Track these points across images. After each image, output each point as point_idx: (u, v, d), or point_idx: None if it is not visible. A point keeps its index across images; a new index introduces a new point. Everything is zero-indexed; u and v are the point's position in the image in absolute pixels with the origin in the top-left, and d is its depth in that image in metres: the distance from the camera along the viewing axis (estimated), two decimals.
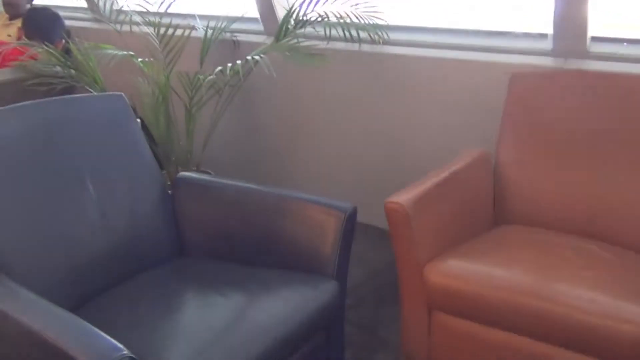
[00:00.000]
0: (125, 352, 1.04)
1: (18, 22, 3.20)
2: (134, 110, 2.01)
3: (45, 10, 3.16)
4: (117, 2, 3.21)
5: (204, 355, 1.29)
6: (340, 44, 2.61)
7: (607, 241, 1.82)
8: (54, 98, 1.73)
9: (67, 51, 2.68)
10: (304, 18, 2.51)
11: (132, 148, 1.84)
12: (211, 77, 2.43)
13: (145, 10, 2.69)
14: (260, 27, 2.88)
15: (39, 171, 1.59)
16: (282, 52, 2.46)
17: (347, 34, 2.47)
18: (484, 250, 1.73)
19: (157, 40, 2.60)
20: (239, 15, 2.82)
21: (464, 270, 1.62)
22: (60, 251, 1.56)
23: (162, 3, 2.63)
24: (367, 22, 2.45)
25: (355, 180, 2.84)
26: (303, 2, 2.49)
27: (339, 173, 2.89)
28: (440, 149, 2.46)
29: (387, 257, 2.65)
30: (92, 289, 1.59)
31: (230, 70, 2.38)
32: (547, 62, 2.22)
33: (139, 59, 2.43)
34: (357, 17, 2.46)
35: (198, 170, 2.73)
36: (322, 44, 2.60)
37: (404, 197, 1.66)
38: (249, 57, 2.37)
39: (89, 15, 3.40)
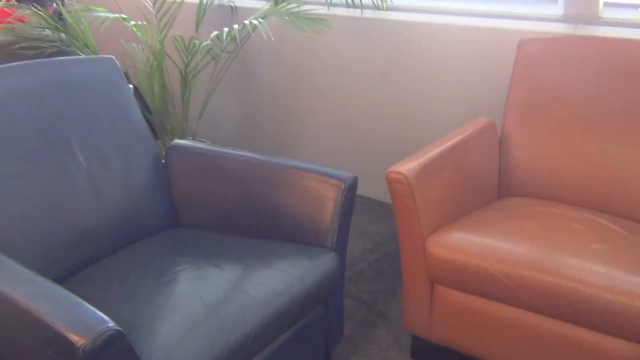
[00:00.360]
0: (110, 325, 0.98)
1: None
2: (127, 77, 1.93)
3: None
4: None
5: (197, 329, 1.23)
6: (342, 9, 2.52)
7: (617, 215, 1.77)
8: (41, 60, 1.65)
9: (59, 16, 2.58)
10: None
11: (124, 114, 1.77)
12: (207, 42, 2.34)
13: None
14: None
15: (25, 137, 1.52)
16: (281, 17, 2.37)
17: None
18: (488, 223, 1.67)
19: (150, 4, 2.50)
20: None
21: (467, 243, 1.56)
22: (47, 221, 1.49)
23: None
24: None
25: (356, 151, 2.77)
26: None
27: (340, 144, 2.82)
28: (446, 119, 2.39)
29: (388, 230, 2.61)
30: (82, 261, 1.53)
31: (226, 35, 2.29)
32: (557, 28, 2.13)
33: (132, 22, 2.33)
34: None
35: (194, 140, 2.65)
36: (323, 10, 2.51)
37: (406, 167, 1.60)
38: (246, 22, 2.28)
39: None
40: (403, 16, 2.44)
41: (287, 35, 2.52)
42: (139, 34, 2.40)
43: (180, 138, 2.53)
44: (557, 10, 2.13)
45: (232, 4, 2.79)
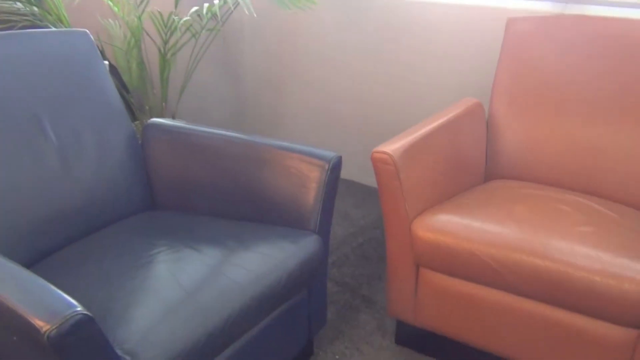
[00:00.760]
0: (78, 309, 0.92)
1: None
2: (103, 54, 1.85)
3: None
4: None
5: (174, 313, 1.18)
6: None
7: (605, 197, 1.74)
8: (9, 32, 1.56)
9: None
10: None
11: (98, 91, 1.69)
12: (187, 18, 2.26)
13: None
14: None
15: None
16: None
17: None
18: (475, 205, 1.63)
19: None
20: None
21: (453, 225, 1.52)
22: (15, 202, 1.42)
23: None
24: None
25: (341, 134, 2.71)
26: None
27: (324, 126, 2.76)
28: (433, 100, 2.34)
29: (372, 214, 2.56)
30: (52, 244, 1.47)
31: (207, 11, 2.21)
32: (546, 6, 2.09)
33: None
34: None
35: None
36: None
37: (392, 147, 1.55)
38: None
39: None
40: None
41: (270, 12, 2.44)
42: (115, 9, 2.31)
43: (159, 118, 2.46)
44: None
45: None
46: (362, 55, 2.51)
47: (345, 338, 1.80)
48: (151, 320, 1.15)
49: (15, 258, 1.17)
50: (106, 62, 1.83)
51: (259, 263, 1.36)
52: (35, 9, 2.29)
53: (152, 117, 2.56)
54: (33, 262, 1.41)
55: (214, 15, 2.26)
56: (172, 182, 1.72)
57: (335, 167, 1.51)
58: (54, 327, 0.89)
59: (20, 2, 2.27)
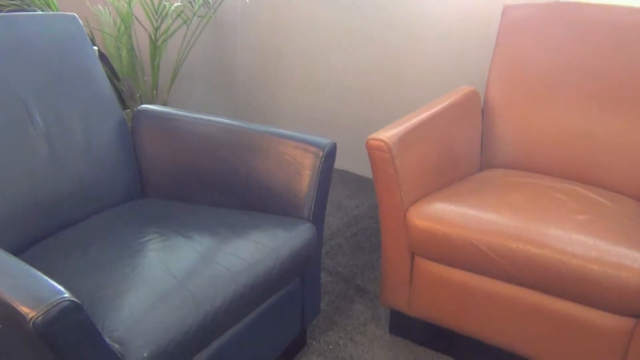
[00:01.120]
0: (65, 296, 0.89)
1: None
2: (92, 41, 1.81)
3: None
4: None
5: (164, 302, 1.15)
6: None
7: (600, 186, 1.73)
8: None
9: None
10: None
11: (87, 77, 1.65)
12: (178, 4, 2.22)
13: None
14: None
15: None
16: None
17: None
18: (471, 194, 1.61)
19: None
20: None
21: (449, 214, 1.50)
22: (1, 189, 1.38)
23: None
24: None
25: (335, 124, 2.69)
26: None
27: (318, 115, 2.73)
28: (428, 88, 2.32)
29: (366, 204, 2.54)
30: (40, 231, 1.43)
31: None
32: None
33: None
34: None
35: None
36: None
37: (387, 134, 1.52)
38: None
39: None
40: None
41: None
42: None
43: None
44: None
45: None
46: (357, 42, 2.48)
47: (339, 328, 1.78)
48: (141, 308, 1.12)
49: (1, 246, 1.14)
50: (95, 48, 1.79)
51: (252, 251, 1.33)
52: None
53: (142, 104, 2.52)
54: (20, 250, 1.38)
55: (206, 1, 2.23)
56: (163, 170, 1.69)
57: (330, 154, 1.49)
58: (39, 314, 0.86)
59: None
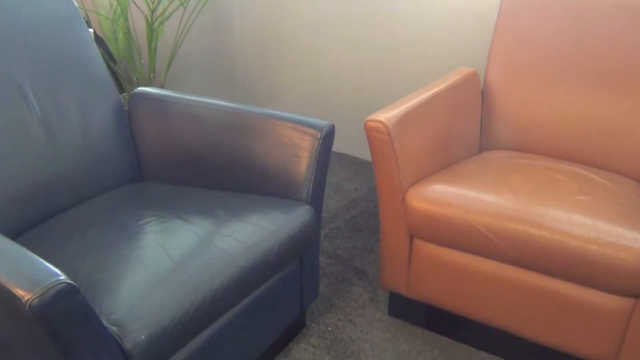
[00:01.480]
0: (61, 278, 0.89)
1: None
2: (88, 23, 1.79)
3: None
4: None
5: (162, 284, 1.15)
6: None
7: (600, 167, 1.72)
8: None
9: None
10: None
11: (83, 58, 1.63)
12: None
13: None
14: None
15: None
16: None
17: None
18: (469, 175, 1.60)
19: None
20: None
21: (448, 195, 1.49)
22: None
23: None
24: None
25: (333, 106, 2.67)
26: None
27: (316, 98, 2.71)
28: (428, 70, 2.30)
29: (365, 187, 2.54)
30: (38, 215, 1.43)
31: None
32: None
33: None
34: None
35: None
36: None
37: (386, 115, 1.51)
38: None
39: None
40: None
41: None
42: None
43: None
44: None
45: None
46: (356, 24, 2.45)
47: (338, 310, 1.79)
48: (139, 291, 1.12)
49: None
50: (91, 31, 1.77)
51: (250, 233, 1.33)
52: None
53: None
54: (18, 233, 1.37)
55: None
56: (160, 153, 1.68)
57: (328, 136, 1.47)
58: (35, 296, 0.86)
59: None
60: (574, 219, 1.35)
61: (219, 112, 1.61)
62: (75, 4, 1.66)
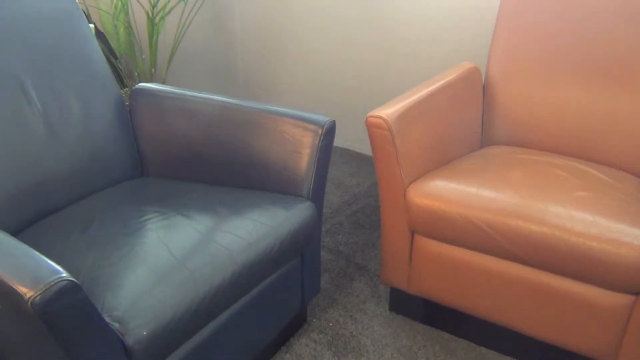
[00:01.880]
0: (63, 275, 0.89)
1: None
2: (88, 18, 1.78)
3: None
4: None
5: (163, 281, 1.15)
6: None
7: (600, 163, 1.72)
8: None
9: None
10: None
11: (83, 54, 1.63)
12: None
13: None
14: None
15: None
16: None
17: None
18: (470, 171, 1.60)
19: None
20: None
21: (449, 191, 1.49)
22: (0, 168, 1.37)
23: None
24: None
25: (334, 101, 2.67)
26: None
27: (317, 93, 2.71)
28: (429, 64, 2.29)
29: (366, 182, 2.54)
30: (39, 211, 1.43)
31: None
32: None
33: None
34: None
35: None
36: None
37: (387, 111, 1.51)
38: None
39: None
40: None
41: None
42: None
43: None
44: None
45: None
46: (356, 17, 2.45)
47: (339, 306, 1.79)
48: (140, 287, 1.13)
49: (0, 226, 1.14)
50: (92, 26, 1.77)
51: (251, 230, 1.33)
52: None
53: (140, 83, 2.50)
54: (19, 230, 1.38)
55: None
56: (161, 149, 1.68)
57: (329, 131, 1.47)
58: (37, 294, 0.86)
59: None
60: (575, 215, 1.35)
61: (220, 108, 1.61)
62: None
